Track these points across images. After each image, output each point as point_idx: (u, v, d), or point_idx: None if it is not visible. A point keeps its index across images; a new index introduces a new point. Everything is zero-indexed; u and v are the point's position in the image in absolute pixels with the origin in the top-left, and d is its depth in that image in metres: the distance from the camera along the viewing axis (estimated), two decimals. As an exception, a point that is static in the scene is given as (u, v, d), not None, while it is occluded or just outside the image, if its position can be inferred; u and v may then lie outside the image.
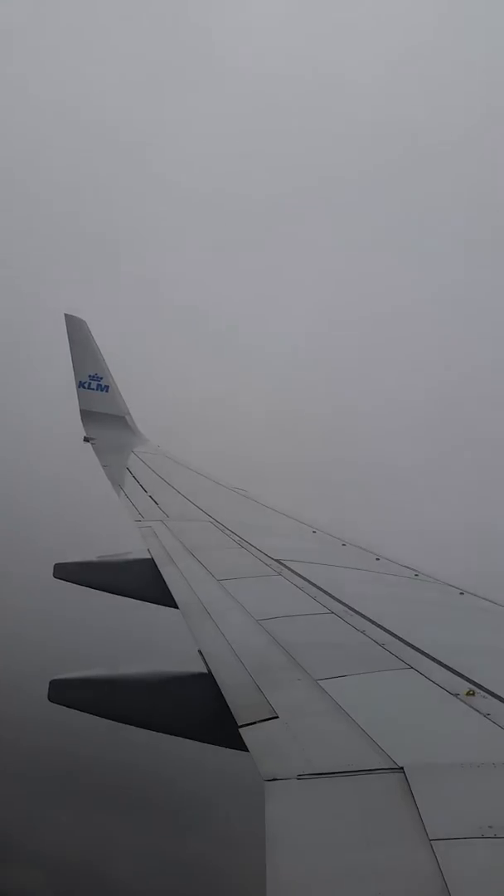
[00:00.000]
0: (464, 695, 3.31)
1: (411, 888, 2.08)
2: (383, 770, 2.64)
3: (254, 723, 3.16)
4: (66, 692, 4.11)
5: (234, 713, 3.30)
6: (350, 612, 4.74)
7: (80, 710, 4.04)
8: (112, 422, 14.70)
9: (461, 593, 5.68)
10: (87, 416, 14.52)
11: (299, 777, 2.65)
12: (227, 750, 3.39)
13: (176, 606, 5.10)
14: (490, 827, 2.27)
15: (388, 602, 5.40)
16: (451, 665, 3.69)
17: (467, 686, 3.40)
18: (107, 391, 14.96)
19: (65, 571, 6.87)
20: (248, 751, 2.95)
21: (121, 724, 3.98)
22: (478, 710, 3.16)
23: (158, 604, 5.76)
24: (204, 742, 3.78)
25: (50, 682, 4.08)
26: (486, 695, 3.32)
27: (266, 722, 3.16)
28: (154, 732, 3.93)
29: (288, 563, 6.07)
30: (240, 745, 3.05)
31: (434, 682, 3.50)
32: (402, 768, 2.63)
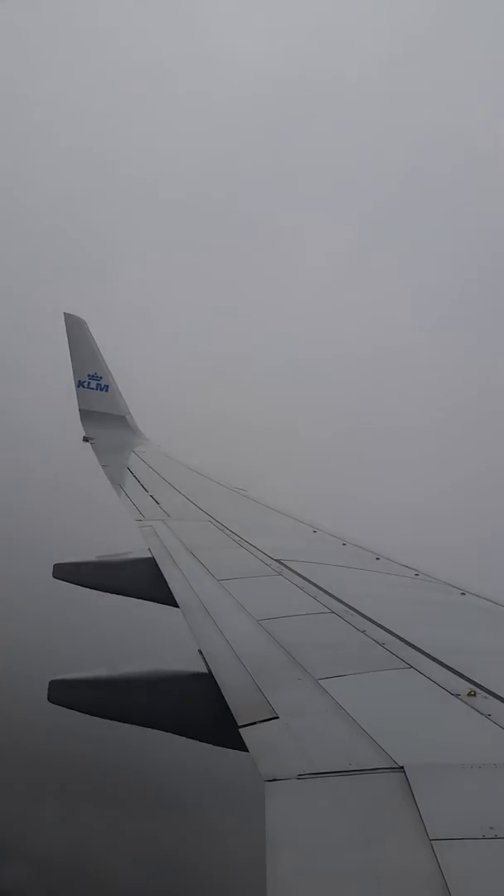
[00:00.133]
0: (464, 695, 3.30)
1: (411, 888, 2.08)
2: (384, 770, 2.64)
3: (254, 723, 3.16)
4: (65, 693, 4.10)
5: (234, 713, 3.29)
6: (350, 611, 4.73)
7: (80, 711, 4.04)
8: (112, 421, 14.68)
9: (462, 593, 5.67)
10: (86, 415, 14.49)
11: (299, 777, 2.65)
12: (227, 750, 3.39)
13: (176, 606, 5.09)
14: (490, 827, 2.27)
15: (389, 602, 5.39)
16: (451, 665, 3.69)
17: (468, 686, 3.40)
18: (106, 391, 14.94)
19: (64, 571, 6.85)
20: (248, 751, 2.95)
21: (121, 724, 3.97)
22: (478, 711, 3.16)
23: (159, 603, 5.76)
24: (204, 742, 3.77)
25: (49, 683, 4.07)
26: (487, 695, 3.31)
27: (266, 722, 3.15)
28: (154, 732, 3.93)
29: (288, 563, 6.06)
30: (240, 745, 3.05)
31: (435, 683, 3.49)
32: (402, 768, 2.63)
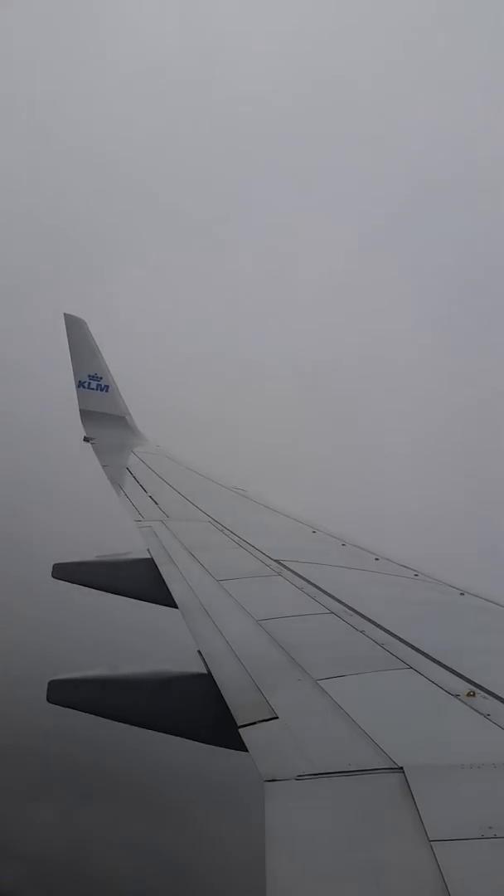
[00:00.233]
0: (464, 695, 3.30)
1: (411, 888, 2.08)
2: (383, 770, 2.64)
3: (253, 723, 3.15)
4: (64, 693, 4.10)
5: (233, 713, 3.29)
6: (350, 612, 4.73)
7: (79, 711, 4.04)
8: (112, 421, 14.68)
9: (461, 594, 5.67)
10: (86, 415, 14.50)
11: (299, 777, 2.65)
12: (227, 750, 3.39)
13: (175, 606, 5.09)
14: (490, 827, 2.27)
15: (388, 602, 5.39)
16: (451, 665, 3.69)
17: (467, 687, 3.40)
18: (106, 391, 14.94)
19: (64, 571, 6.86)
20: (247, 751, 2.95)
21: (120, 725, 3.97)
22: (478, 711, 3.16)
23: (158, 604, 5.76)
24: (203, 742, 3.77)
25: (49, 683, 4.07)
26: (487, 695, 3.31)
27: (266, 722, 3.15)
28: (153, 733, 3.93)
29: (287, 564, 6.06)
30: (239, 746, 3.05)
31: (434, 683, 3.49)
32: (401, 769, 2.63)
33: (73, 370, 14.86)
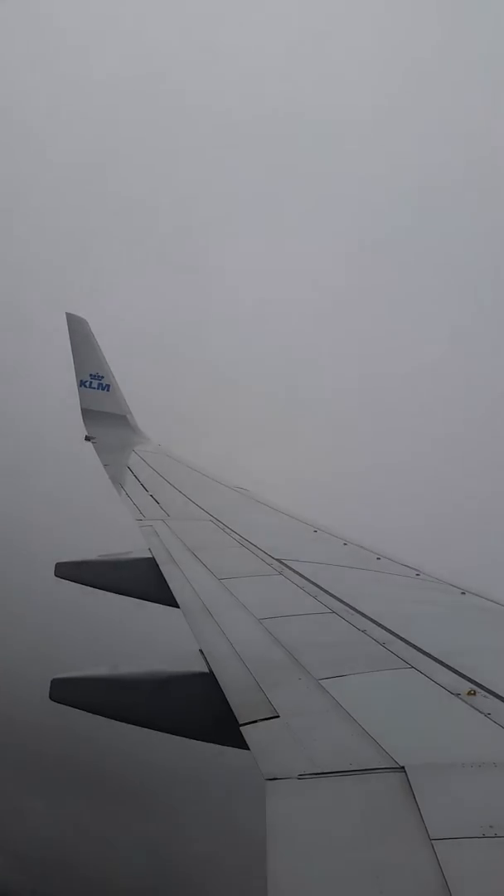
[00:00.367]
0: (465, 694, 3.31)
1: (412, 888, 2.08)
2: (384, 769, 2.64)
3: (255, 722, 3.16)
4: (67, 691, 4.11)
5: (235, 711, 3.30)
6: (351, 611, 4.73)
7: (82, 710, 4.05)
8: (113, 421, 14.70)
9: (463, 593, 5.67)
10: (88, 414, 14.53)
11: (300, 776, 2.65)
12: (228, 749, 3.39)
13: (177, 605, 5.10)
14: (491, 826, 2.27)
15: (390, 601, 5.39)
16: (452, 665, 3.69)
17: (468, 686, 3.40)
18: (108, 390, 14.97)
19: (65, 570, 6.86)
20: (249, 749, 2.95)
21: (122, 724, 3.98)
22: (479, 710, 3.16)
23: (159, 603, 5.76)
24: (205, 741, 3.78)
25: (51, 681, 4.08)
26: (487, 694, 3.31)
27: (267, 721, 3.16)
28: (154, 732, 3.93)
29: (289, 563, 6.06)
30: (241, 744, 3.05)
31: (435, 682, 3.49)
32: (402, 768, 2.63)
33: (75, 369, 14.89)
